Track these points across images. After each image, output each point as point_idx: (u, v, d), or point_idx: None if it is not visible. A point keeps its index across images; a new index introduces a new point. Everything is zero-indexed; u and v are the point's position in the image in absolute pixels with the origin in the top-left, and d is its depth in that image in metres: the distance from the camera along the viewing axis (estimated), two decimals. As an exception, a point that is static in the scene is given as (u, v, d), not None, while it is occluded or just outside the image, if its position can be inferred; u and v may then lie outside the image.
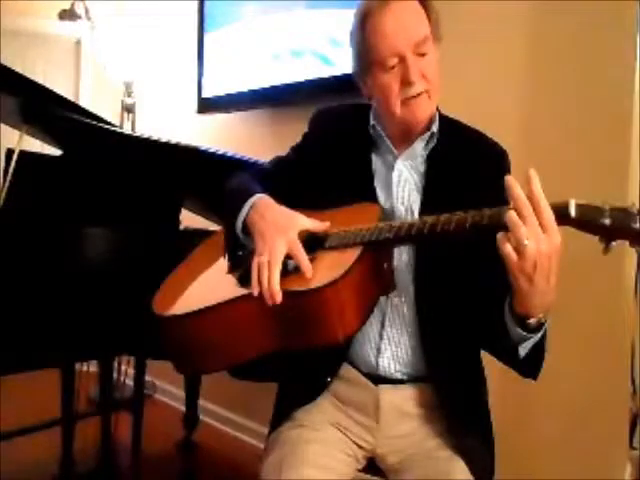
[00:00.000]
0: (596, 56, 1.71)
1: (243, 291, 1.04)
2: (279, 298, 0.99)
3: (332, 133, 1.26)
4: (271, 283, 1.00)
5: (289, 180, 1.27)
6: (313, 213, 1.14)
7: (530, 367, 1.05)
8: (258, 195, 1.14)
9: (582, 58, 1.75)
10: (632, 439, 1.70)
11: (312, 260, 1.04)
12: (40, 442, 2.39)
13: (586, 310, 1.70)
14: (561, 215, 0.87)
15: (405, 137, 1.20)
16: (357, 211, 1.14)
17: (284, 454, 1.10)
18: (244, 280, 1.06)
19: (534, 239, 0.86)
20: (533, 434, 1.76)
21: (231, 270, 1.15)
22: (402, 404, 1.17)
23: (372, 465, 1.20)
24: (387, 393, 1.17)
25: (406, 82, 1.11)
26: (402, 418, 1.17)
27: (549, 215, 0.87)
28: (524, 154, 1.82)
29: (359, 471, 1.18)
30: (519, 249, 0.87)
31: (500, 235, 0.89)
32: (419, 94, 1.13)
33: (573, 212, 0.86)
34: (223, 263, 1.19)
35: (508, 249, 0.87)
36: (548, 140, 1.82)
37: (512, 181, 0.89)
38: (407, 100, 1.13)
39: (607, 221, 0.84)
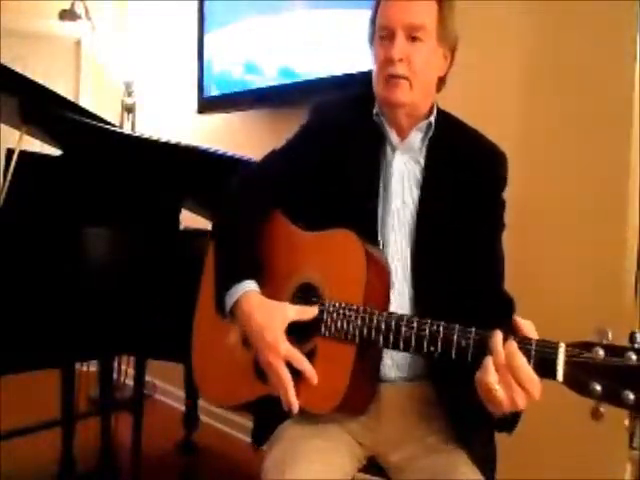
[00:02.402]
0: (596, 56, 1.71)
1: (267, 390, 1.13)
2: (297, 409, 1.07)
3: (336, 125, 1.25)
4: (291, 405, 1.06)
5: (291, 179, 1.26)
6: (295, 231, 1.20)
7: (507, 423, 1.03)
8: (242, 294, 1.14)
9: (582, 58, 1.74)
10: (632, 439, 1.70)
11: (313, 353, 1.09)
12: (40, 442, 2.39)
13: (586, 310, 1.70)
14: (545, 372, 0.86)
15: (398, 122, 1.20)
16: (340, 251, 1.12)
17: (286, 450, 1.10)
18: (262, 376, 1.13)
19: (505, 390, 0.87)
20: (533, 434, 1.76)
21: (244, 343, 1.18)
22: (402, 401, 1.17)
23: (373, 465, 1.20)
24: (387, 391, 1.17)
25: (388, 58, 1.13)
26: (403, 415, 1.17)
27: (526, 375, 0.86)
28: (524, 155, 1.83)
29: (359, 471, 1.19)
30: (489, 392, 0.88)
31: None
32: (399, 77, 1.13)
33: (560, 376, 0.84)
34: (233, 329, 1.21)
35: (484, 382, 0.89)
36: (548, 141, 1.82)
37: (497, 335, 0.89)
38: (388, 78, 1.14)
39: (598, 387, 0.80)
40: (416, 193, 1.20)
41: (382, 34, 1.15)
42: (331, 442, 1.13)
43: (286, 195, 1.27)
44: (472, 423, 1.12)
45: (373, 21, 1.20)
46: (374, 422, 1.17)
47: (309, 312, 1.10)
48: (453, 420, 1.14)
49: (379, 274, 1.10)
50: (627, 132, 1.65)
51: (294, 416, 1.16)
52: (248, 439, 2.77)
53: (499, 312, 1.06)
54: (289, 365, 1.07)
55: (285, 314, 1.10)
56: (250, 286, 1.14)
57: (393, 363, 1.16)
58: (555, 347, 0.85)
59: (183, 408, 2.51)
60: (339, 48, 2.37)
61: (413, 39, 1.13)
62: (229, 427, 2.87)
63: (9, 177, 1.82)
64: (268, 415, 1.21)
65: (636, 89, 1.65)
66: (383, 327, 1.01)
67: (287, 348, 1.07)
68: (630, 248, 1.66)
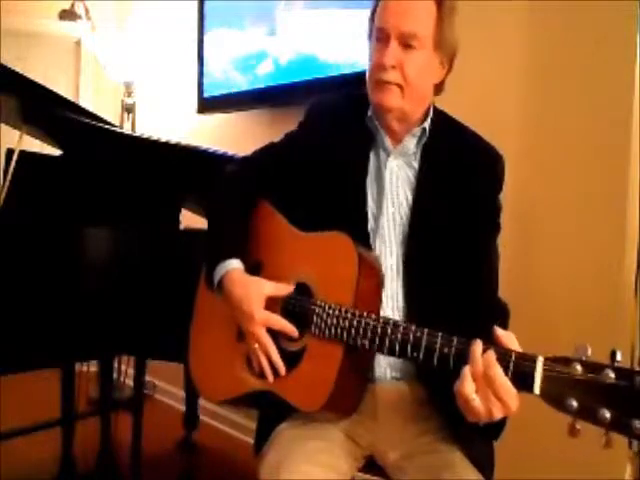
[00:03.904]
0: (596, 56, 1.71)
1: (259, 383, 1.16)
2: (284, 370, 1.11)
3: (330, 125, 1.25)
4: (279, 369, 1.11)
5: (282, 171, 1.28)
6: (292, 232, 1.21)
7: (492, 431, 1.01)
8: (224, 272, 1.17)
9: (582, 58, 1.74)
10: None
11: (303, 352, 1.11)
12: (40, 442, 2.39)
13: (586, 310, 1.70)
14: (523, 385, 0.84)
15: (390, 127, 1.19)
16: (334, 253, 1.12)
17: (283, 451, 1.10)
18: (252, 367, 1.17)
19: (482, 400, 0.86)
20: (533, 434, 1.76)
21: (238, 338, 1.21)
22: (398, 401, 1.17)
23: (372, 464, 1.20)
24: (383, 390, 1.17)
25: (381, 63, 1.12)
26: (399, 414, 1.17)
27: (502, 386, 0.85)
28: (524, 155, 1.83)
29: (359, 470, 1.19)
30: (467, 402, 0.87)
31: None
32: (390, 82, 1.12)
33: (537, 389, 0.82)
34: (228, 323, 1.23)
35: (461, 392, 0.87)
36: (548, 142, 1.82)
37: (476, 344, 0.89)
38: (378, 82, 1.14)
39: (574, 403, 0.79)
40: (410, 196, 1.19)
41: (378, 35, 1.14)
42: (327, 443, 1.13)
43: (276, 183, 1.29)
44: (466, 423, 1.12)
45: (372, 19, 1.19)
46: (371, 421, 1.17)
47: (283, 289, 1.15)
48: (449, 419, 1.14)
49: (371, 277, 1.10)
50: (627, 132, 1.65)
51: (290, 418, 1.17)
52: (248, 439, 2.78)
53: (492, 316, 1.06)
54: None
55: (261, 288, 1.15)
56: (233, 265, 1.18)
57: (387, 363, 1.16)
58: (533, 360, 0.84)
59: (183, 408, 2.51)
60: (339, 48, 2.38)
61: (407, 46, 1.12)
62: (229, 427, 2.87)
63: (9, 177, 1.82)
64: (269, 421, 1.21)
65: (636, 89, 1.65)
66: (369, 331, 1.02)
67: (264, 314, 1.12)
68: (630, 248, 1.66)
